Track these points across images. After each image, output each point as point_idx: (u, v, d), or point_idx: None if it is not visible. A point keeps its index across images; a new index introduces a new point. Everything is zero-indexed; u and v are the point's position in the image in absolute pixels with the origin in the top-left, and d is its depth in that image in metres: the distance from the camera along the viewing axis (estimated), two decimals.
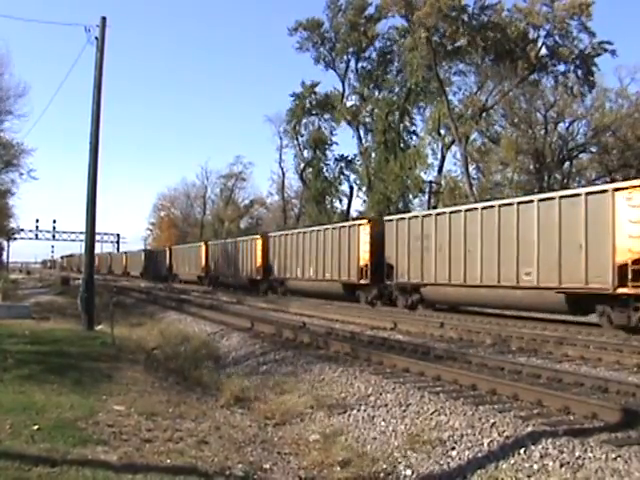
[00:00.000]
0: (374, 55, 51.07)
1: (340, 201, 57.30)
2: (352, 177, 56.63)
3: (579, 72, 38.30)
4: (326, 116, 55.55)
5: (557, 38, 38.11)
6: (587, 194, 15.96)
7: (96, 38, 16.80)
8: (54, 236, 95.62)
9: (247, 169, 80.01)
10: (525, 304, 18.20)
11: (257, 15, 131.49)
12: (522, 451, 5.86)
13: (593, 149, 44.26)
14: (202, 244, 47.54)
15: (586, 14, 35.78)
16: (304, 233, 31.16)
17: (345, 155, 56.33)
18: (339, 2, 48.92)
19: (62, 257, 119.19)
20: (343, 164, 56.40)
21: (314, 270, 29.17)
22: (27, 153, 40.80)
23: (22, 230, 76.87)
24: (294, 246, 31.54)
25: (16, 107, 36.45)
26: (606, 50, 37.46)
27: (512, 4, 38.93)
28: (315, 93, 54.63)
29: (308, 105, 54.82)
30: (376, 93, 52.21)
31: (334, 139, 56.41)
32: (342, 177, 56.77)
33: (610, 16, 76.59)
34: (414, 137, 51.07)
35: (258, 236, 37.08)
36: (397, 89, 50.82)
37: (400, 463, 6.32)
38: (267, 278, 34.70)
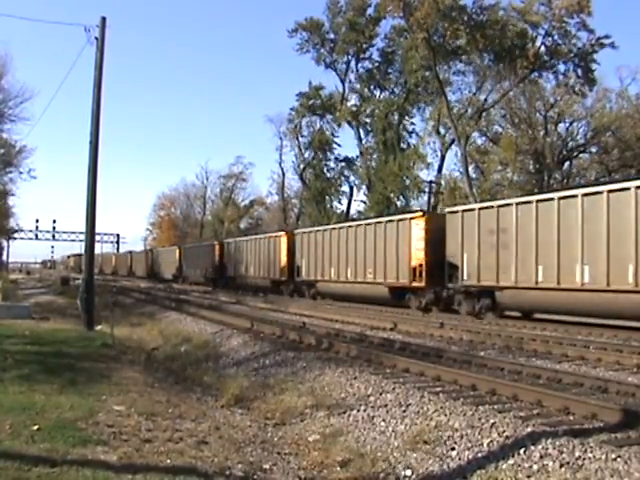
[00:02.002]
0: (375, 55, 51.29)
1: (340, 201, 57.49)
2: (352, 177, 56.86)
3: (579, 71, 38.39)
4: (328, 117, 55.71)
5: (556, 37, 38.24)
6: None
7: (96, 38, 16.83)
8: (54, 236, 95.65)
9: (247, 169, 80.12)
10: None
11: (257, 15, 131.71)
12: (522, 451, 5.86)
13: (593, 149, 44.31)
14: (282, 234, 33.10)
15: (586, 12, 35.82)
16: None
17: (346, 155, 56.57)
18: (339, 3, 49.04)
19: (68, 256, 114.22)
20: (343, 164, 56.55)
21: None
22: (27, 153, 40.99)
23: (22, 230, 76.77)
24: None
25: (17, 110, 36.56)
26: (604, 45, 37.52)
27: (510, 3, 39.11)
28: (320, 95, 54.82)
29: (312, 106, 54.95)
30: (376, 93, 52.34)
31: (335, 139, 56.69)
32: (342, 177, 56.94)
33: (611, 17, 76.80)
34: (414, 137, 51.24)
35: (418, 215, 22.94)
36: (397, 89, 50.94)
37: (400, 463, 6.32)
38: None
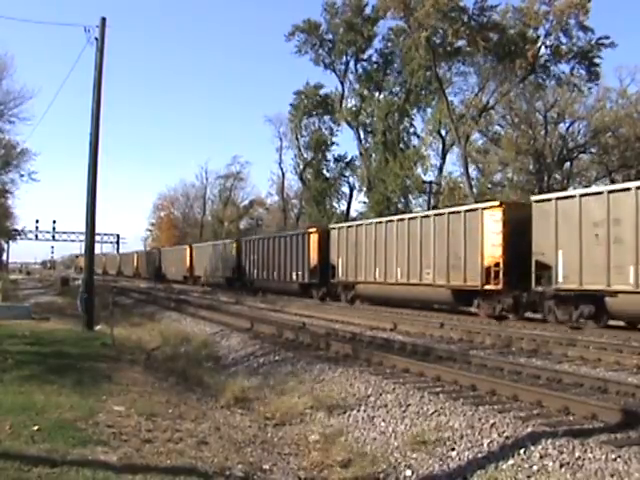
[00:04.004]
0: (374, 56, 51.14)
1: (339, 202, 57.48)
2: (352, 178, 56.87)
3: (582, 69, 38.51)
4: (326, 117, 55.67)
5: (556, 37, 38.27)
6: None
7: (96, 39, 16.80)
8: (54, 237, 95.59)
9: (245, 169, 79.87)
10: None
11: (257, 15, 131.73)
12: (522, 451, 5.86)
13: (593, 149, 44.29)
14: (496, 204, 19.63)
15: (583, 12, 35.90)
16: None
17: (345, 156, 56.56)
18: (335, 4, 48.88)
19: (77, 256, 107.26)
20: (343, 164, 56.57)
21: None
22: (28, 156, 41.08)
23: (22, 231, 76.72)
24: None
25: (16, 111, 36.61)
26: (604, 45, 37.61)
27: (511, 4, 39.13)
28: (318, 95, 54.77)
29: (310, 106, 54.90)
30: (376, 94, 52.25)
31: (334, 140, 56.66)
32: (342, 178, 56.94)
33: (611, 16, 76.86)
34: (414, 138, 51.19)
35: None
36: (397, 90, 50.86)
37: (400, 463, 6.32)
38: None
